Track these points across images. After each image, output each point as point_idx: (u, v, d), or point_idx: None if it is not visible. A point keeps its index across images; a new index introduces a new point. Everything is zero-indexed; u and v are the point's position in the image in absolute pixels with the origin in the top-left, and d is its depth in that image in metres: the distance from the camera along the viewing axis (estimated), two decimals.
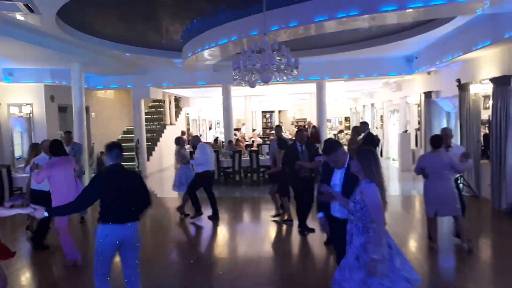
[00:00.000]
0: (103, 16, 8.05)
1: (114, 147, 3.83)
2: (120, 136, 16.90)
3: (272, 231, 7.14)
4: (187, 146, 15.57)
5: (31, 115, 11.88)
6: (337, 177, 3.82)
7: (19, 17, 6.94)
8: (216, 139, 15.71)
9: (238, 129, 22.36)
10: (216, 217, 7.94)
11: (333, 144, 3.89)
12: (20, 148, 12.06)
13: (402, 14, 6.67)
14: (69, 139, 8.34)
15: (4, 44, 8.18)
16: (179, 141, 8.57)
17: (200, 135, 20.56)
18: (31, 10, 6.39)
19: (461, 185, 7.34)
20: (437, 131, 11.49)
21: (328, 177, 3.87)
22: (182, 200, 8.34)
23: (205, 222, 7.96)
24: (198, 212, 8.03)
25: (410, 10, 6.26)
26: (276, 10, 7.07)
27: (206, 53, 9.40)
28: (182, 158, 8.24)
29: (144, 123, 14.71)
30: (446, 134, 6.06)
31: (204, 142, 8.72)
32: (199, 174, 7.92)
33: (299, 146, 6.70)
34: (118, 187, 3.72)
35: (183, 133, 16.85)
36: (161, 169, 15.78)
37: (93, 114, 14.69)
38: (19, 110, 11.76)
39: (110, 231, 3.70)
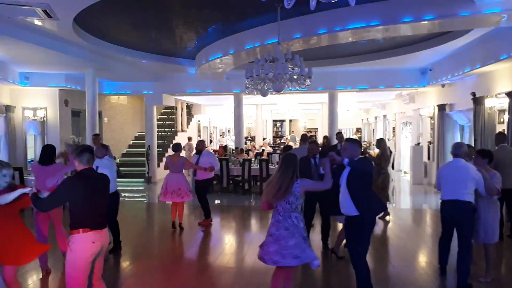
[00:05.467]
0: (118, 23, 8.15)
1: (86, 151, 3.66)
2: (131, 141, 17.04)
3: None
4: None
5: (45, 118, 12.04)
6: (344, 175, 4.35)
7: (37, 22, 7.05)
8: (225, 147, 15.69)
9: (247, 138, 22.36)
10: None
11: None
12: (33, 151, 12.21)
13: (417, 26, 6.62)
14: (97, 141, 8.63)
15: (21, 48, 8.32)
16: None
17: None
18: (49, 16, 6.49)
19: None
20: (450, 144, 11.33)
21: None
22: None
23: (213, 230, 7.92)
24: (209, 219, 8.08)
25: (425, 22, 6.22)
26: (290, 19, 7.08)
27: (219, 61, 9.44)
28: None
29: (155, 129, 14.80)
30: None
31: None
32: (206, 180, 8.04)
33: (312, 159, 6.49)
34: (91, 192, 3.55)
35: (189, 138, 16.89)
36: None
37: (105, 119, 14.84)
38: (34, 113, 11.93)
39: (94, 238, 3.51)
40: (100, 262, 3.71)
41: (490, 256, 5.08)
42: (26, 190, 3.66)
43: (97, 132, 10.97)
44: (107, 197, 3.79)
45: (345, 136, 24.64)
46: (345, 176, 4.30)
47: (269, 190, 4.04)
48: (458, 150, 4.97)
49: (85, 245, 3.47)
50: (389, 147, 9.36)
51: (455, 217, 4.88)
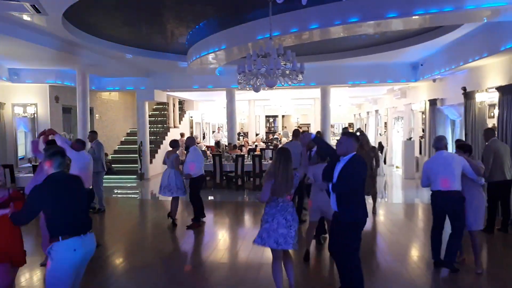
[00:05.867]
0: (108, 18, 8.07)
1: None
2: (123, 138, 16.95)
3: None
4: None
5: (35, 115, 11.92)
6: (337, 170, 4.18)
7: (25, 17, 6.96)
8: (218, 143, 15.68)
9: (239, 133, 22.34)
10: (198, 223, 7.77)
11: None
12: (23, 148, 12.09)
13: (408, 21, 6.64)
14: (92, 138, 9.26)
15: (10, 44, 8.21)
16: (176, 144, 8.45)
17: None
18: (37, 11, 6.41)
19: None
20: None
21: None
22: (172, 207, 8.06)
23: (206, 226, 7.92)
24: (198, 221, 7.81)
25: (416, 17, 6.24)
26: (282, 14, 7.06)
27: (211, 57, 9.40)
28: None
29: (147, 125, 14.73)
30: None
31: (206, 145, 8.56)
32: (196, 178, 7.79)
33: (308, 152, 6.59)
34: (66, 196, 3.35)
35: (182, 135, 16.86)
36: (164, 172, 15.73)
37: (97, 115, 14.73)
38: (24, 110, 11.80)
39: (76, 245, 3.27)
40: (82, 270, 3.50)
41: (477, 247, 5.25)
42: (5, 211, 3.49)
43: (88, 128, 10.91)
44: (85, 198, 3.58)
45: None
46: (336, 175, 4.14)
47: (278, 185, 4.18)
48: (439, 143, 5.30)
49: (66, 253, 3.23)
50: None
51: (445, 207, 5.15)
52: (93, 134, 9.38)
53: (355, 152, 4.15)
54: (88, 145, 9.08)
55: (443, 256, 5.27)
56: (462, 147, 5.52)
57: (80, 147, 6.48)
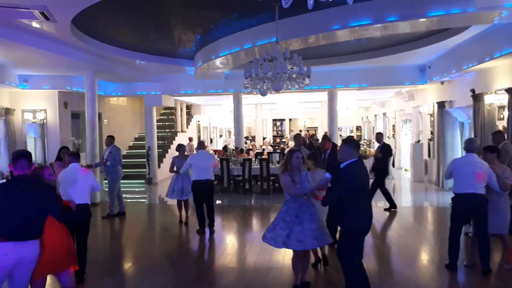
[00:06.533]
0: (116, 24, 8.14)
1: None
2: (131, 143, 17.05)
3: None
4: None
5: (44, 121, 12.03)
6: None
7: (35, 24, 7.05)
8: (225, 147, 15.73)
9: (247, 137, 22.34)
10: (202, 230, 7.63)
11: None
12: (33, 154, 12.20)
13: (415, 24, 6.61)
14: (109, 142, 9.52)
15: (19, 51, 8.31)
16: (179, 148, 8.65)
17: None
18: (46, 18, 6.48)
19: None
20: (450, 141, 11.37)
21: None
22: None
23: (215, 230, 7.91)
24: (201, 228, 7.68)
25: (424, 19, 6.21)
26: (288, 18, 7.07)
27: (218, 61, 9.44)
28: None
29: (155, 130, 14.80)
30: None
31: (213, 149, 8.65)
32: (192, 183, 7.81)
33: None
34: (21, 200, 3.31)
35: (190, 139, 16.93)
36: (172, 176, 15.75)
37: (105, 120, 14.83)
38: (33, 116, 11.92)
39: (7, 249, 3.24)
40: (21, 277, 3.38)
41: (508, 247, 5.36)
42: None
43: (97, 134, 10.99)
44: (44, 207, 3.46)
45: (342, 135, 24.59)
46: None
47: None
48: (471, 145, 5.29)
49: None
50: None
51: (470, 209, 5.12)
52: (110, 139, 9.60)
53: (354, 159, 4.03)
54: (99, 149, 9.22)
55: (481, 264, 5.17)
56: (489, 148, 5.53)
57: (75, 159, 5.42)
